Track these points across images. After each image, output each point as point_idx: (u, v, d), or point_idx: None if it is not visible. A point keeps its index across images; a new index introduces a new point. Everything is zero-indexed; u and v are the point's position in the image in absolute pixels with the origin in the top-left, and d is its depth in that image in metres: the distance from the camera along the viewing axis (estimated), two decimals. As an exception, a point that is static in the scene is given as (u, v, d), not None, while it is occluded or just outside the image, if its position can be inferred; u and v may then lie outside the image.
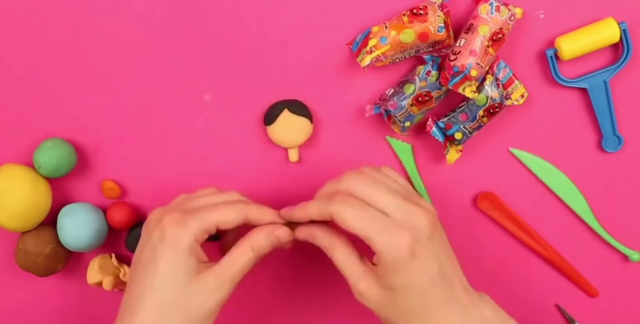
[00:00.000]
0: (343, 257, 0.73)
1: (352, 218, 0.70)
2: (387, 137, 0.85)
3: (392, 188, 0.72)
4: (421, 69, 0.81)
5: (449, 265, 0.72)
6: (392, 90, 0.83)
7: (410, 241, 0.69)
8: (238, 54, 0.85)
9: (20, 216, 0.83)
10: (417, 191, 0.83)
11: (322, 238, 0.74)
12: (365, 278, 0.72)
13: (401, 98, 0.81)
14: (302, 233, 0.75)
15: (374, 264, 0.72)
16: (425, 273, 0.70)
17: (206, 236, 0.73)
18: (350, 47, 0.84)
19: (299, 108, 0.84)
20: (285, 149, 0.86)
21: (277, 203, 0.87)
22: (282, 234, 0.75)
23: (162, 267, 0.71)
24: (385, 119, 0.84)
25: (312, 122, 0.84)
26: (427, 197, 0.87)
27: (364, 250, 0.73)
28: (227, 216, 0.74)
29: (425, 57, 0.82)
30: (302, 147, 0.86)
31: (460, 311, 0.71)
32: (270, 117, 0.84)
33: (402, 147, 0.85)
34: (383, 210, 0.71)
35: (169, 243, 0.71)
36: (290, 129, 0.84)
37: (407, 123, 0.83)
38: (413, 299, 0.71)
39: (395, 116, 0.82)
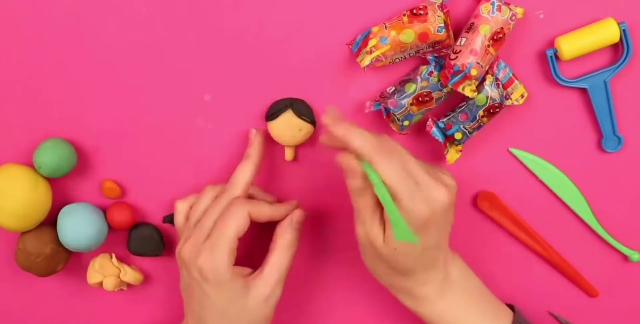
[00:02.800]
0: (366, 204, 0.75)
1: (391, 172, 0.72)
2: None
3: (418, 162, 0.76)
4: (424, 69, 0.81)
5: (446, 235, 0.78)
6: (393, 88, 0.83)
7: (427, 215, 0.73)
8: (238, 54, 0.85)
9: (20, 216, 0.83)
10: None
11: (357, 180, 0.75)
12: (374, 226, 0.75)
13: (402, 96, 0.81)
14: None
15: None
16: (428, 242, 0.75)
17: (236, 252, 0.78)
18: (350, 47, 0.84)
19: (304, 109, 0.84)
20: (282, 147, 0.86)
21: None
22: (301, 217, 0.82)
23: (216, 301, 0.77)
24: (385, 117, 0.84)
25: (314, 125, 0.84)
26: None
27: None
28: (239, 225, 0.78)
29: (429, 57, 0.82)
30: (299, 146, 0.86)
31: (441, 273, 0.78)
32: (272, 112, 0.84)
33: None
34: (414, 178, 0.74)
35: (213, 281, 0.77)
36: (290, 129, 0.84)
37: (406, 123, 0.83)
38: (408, 259, 0.76)
39: (395, 114, 0.82)
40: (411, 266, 0.77)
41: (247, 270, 0.79)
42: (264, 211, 0.79)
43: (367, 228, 0.76)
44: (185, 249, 0.78)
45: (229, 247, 0.77)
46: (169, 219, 0.86)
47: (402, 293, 0.80)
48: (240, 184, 0.81)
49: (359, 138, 0.73)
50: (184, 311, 0.82)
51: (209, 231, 0.78)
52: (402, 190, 0.72)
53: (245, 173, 0.82)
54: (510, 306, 0.83)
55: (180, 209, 0.83)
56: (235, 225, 0.77)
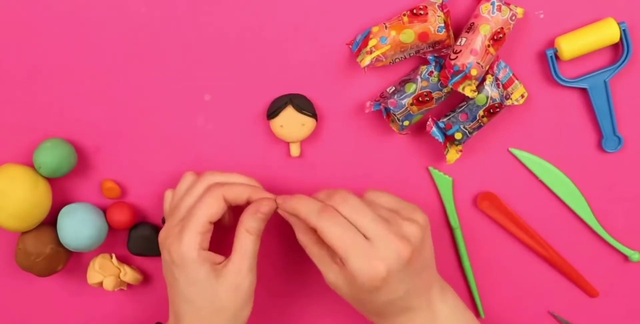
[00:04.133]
0: (322, 250, 0.76)
1: (335, 237, 0.73)
2: (430, 168, 0.86)
3: (379, 214, 0.75)
4: (424, 69, 0.81)
5: (419, 281, 0.76)
6: (394, 88, 0.83)
7: (384, 273, 0.72)
8: (238, 54, 0.85)
9: (20, 216, 0.83)
10: (452, 224, 0.87)
11: (307, 234, 0.77)
12: (333, 272, 0.75)
13: (402, 96, 0.81)
14: (287, 206, 0.77)
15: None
16: (391, 295, 0.74)
17: (208, 236, 0.77)
18: (350, 47, 0.84)
19: (304, 104, 0.84)
20: (287, 144, 0.86)
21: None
22: (266, 209, 0.78)
23: (183, 286, 0.77)
24: (385, 117, 0.84)
25: (316, 119, 0.84)
26: (460, 232, 0.86)
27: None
28: (211, 209, 0.77)
29: (429, 57, 0.82)
30: (303, 142, 0.86)
31: (424, 314, 0.77)
32: (273, 110, 0.84)
33: (444, 180, 0.86)
34: (365, 234, 0.73)
35: (178, 262, 0.76)
36: (293, 124, 0.84)
37: (406, 123, 0.83)
38: (374, 307, 0.76)
39: (395, 114, 0.82)
40: (384, 310, 0.76)
41: (220, 258, 0.78)
42: (241, 192, 0.79)
43: (335, 270, 0.75)
44: (161, 232, 0.79)
45: (197, 229, 0.76)
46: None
47: None
48: (226, 177, 0.81)
49: (303, 209, 0.75)
50: None
51: (183, 215, 0.78)
52: (348, 249, 0.72)
53: (240, 178, 0.81)
54: None
55: (169, 198, 0.83)
56: (207, 208, 0.77)
